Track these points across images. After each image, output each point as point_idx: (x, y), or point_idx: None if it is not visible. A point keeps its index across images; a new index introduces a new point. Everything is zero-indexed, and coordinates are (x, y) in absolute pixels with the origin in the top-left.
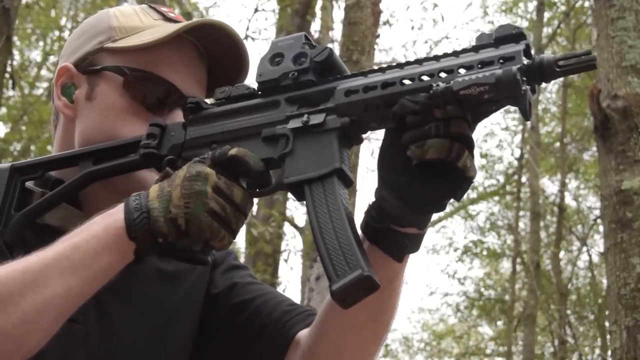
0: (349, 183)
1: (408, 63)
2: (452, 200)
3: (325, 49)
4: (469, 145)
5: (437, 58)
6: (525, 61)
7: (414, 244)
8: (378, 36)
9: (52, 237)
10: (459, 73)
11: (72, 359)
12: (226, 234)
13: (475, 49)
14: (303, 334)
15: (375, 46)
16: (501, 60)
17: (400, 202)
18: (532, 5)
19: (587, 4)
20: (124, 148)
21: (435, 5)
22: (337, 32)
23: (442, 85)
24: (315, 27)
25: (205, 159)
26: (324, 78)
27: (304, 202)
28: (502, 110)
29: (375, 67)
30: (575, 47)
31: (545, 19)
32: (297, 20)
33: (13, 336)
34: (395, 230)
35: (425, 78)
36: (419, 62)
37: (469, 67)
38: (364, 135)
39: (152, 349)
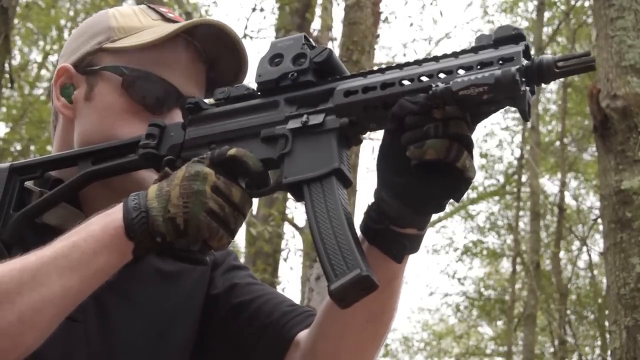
0: (348, 183)
1: (407, 64)
2: (451, 200)
3: (324, 50)
4: (468, 145)
5: (436, 59)
6: (525, 62)
7: (414, 244)
8: (378, 36)
9: (51, 236)
10: (458, 74)
11: (72, 358)
12: (225, 234)
13: (474, 50)
14: (303, 334)
15: (375, 46)
16: (500, 61)
17: (400, 203)
18: (532, 5)
19: (587, 3)
20: (123, 148)
21: (434, 2)
22: (337, 31)
23: (441, 85)
24: (315, 26)
25: (204, 159)
26: (324, 79)
27: (303, 202)
28: (502, 110)
29: (375, 68)
30: (575, 47)
31: (545, 19)
32: (297, 19)
33: (10, 335)
34: (395, 230)
35: (424, 79)
36: (418, 63)
37: (468, 67)
38: (363, 135)
39: (152, 348)
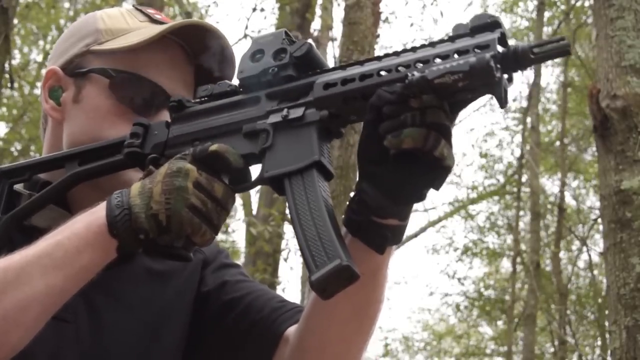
0: (329, 176)
1: (386, 55)
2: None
3: (304, 44)
4: (446, 134)
5: (414, 49)
6: (500, 49)
7: (396, 235)
8: (378, 36)
9: (40, 238)
10: (435, 63)
11: (63, 359)
12: (208, 229)
13: (451, 39)
14: (292, 330)
15: (375, 46)
16: (476, 49)
17: (380, 193)
18: (532, 5)
19: (587, 3)
20: (110, 149)
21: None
22: (337, 31)
23: (417, 74)
24: (315, 26)
25: (186, 156)
26: (304, 73)
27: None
28: (502, 110)
29: (353, 61)
30: (575, 47)
31: (545, 19)
32: (297, 19)
33: None
34: (376, 221)
35: (401, 69)
36: (396, 54)
37: (444, 56)
38: (343, 128)
39: (143, 347)
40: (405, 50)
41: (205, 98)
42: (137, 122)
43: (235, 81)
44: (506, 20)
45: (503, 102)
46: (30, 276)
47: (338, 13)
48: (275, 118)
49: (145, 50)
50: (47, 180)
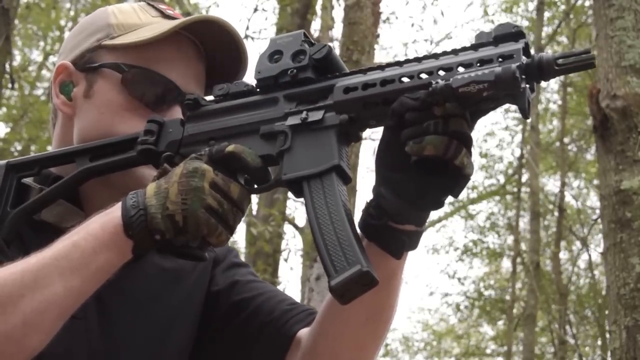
0: (348, 180)
1: (407, 61)
2: (450, 198)
3: (324, 47)
4: (467, 143)
5: (436, 56)
6: (524, 60)
7: (412, 241)
8: (378, 36)
9: (49, 233)
10: (458, 71)
11: (73, 355)
12: (223, 230)
13: (474, 47)
14: (303, 333)
15: (376, 46)
16: (500, 59)
17: (398, 199)
18: (532, 5)
19: (587, 3)
20: (122, 145)
21: (435, 2)
22: (337, 31)
23: (441, 82)
24: (315, 26)
25: (202, 156)
26: (323, 76)
27: (302, 199)
28: (502, 109)
29: (375, 65)
30: (575, 47)
31: (545, 19)
32: (297, 20)
33: (14, 338)
34: (393, 227)
35: (424, 76)
36: (418, 60)
37: (468, 65)
38: (362, 133)
39: (153, 345)
40: (427, 57)
41: (221, 97)
42: (152, 119)
43: (252, 81)
44: (506, 20)
45: (527, 113)
46: (48, 279)
47: (338, 13)
48: (294, 120)
49: (157, 46)
50: (59, 175)
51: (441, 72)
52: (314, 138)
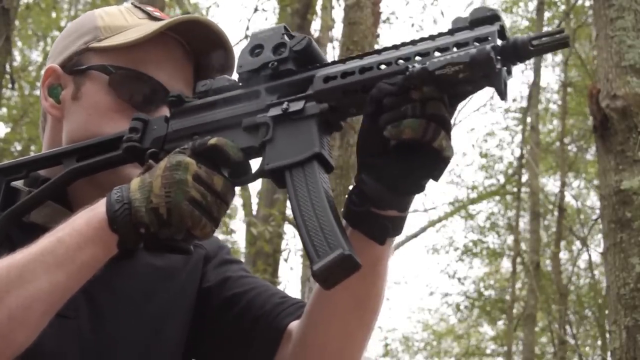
0: (330, 168)
1: (385, 49)
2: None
3: (304, 38)
4: (445, 125)
5: (413, 42)
6: (500, 42)
7: (396, 226)
8: (378, 36)
9: (39, 235)
10: (435, 55)
11: (66, 355)
12: (208, 222)
13: (450, 32)
14: (294, 325)
15: (376, 46)
16: (476, 42)
17: (380, 185)
18: (532, 5)
19: (587, 3)
20: (108, 144)
21: (435, 2)
22: (337, 31)
23: (417, 66)
24: (315, 26)
25: (185, 150)
26: (304, 67)
27: (286, 189)
28: (502, 110)
29: (354, 55)
30: (575, 47)
31: (545, 19)
32: (297, 20)
33: (1, 333)
34: (376, 213)
35: (401, 62)
36: (396, 47)
37: (444, 49)
38: (343, 122)
39: (146, 343)
40: (404, 44)
41: (204, 93)
42: (136, 117)
43: (235, 76)
44: (506, 20)
45: (503, 95)
46: (34, 274)
47: (338, 13)
48: (275, 111)
49: (144, 47)
50: (47, 177)
51: (418, 58)
52: (295, 128)
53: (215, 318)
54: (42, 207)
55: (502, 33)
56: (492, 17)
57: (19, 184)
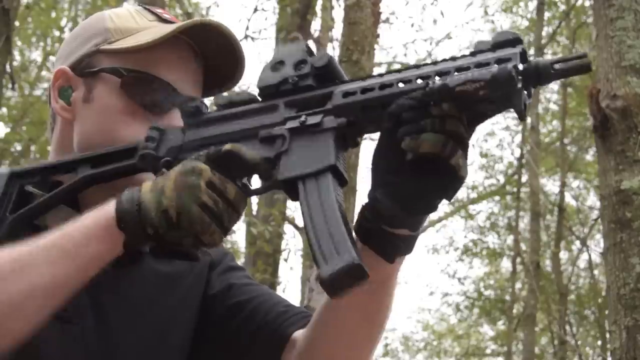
0: (344, 182)
1: (406, 68)
2: (444, 201)
3: (325, 55)
4: (463, 145)
5: (434, 63)
6: (521, 65)
7: (407, 246)
8: (378, 36)
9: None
10: (455, 75)
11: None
12: (217, 229)
13: (472, 54)
14: (299, 334)
15: (376, 46)
16: (497, 62)
17: (393, 202)
18: (532, 5)
19: (587, 3)
20: (123, 153)
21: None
22: (337, 31)
23: (438, 82)
24: (315, 26)
25: (200, 156)
26: (324, 83)
27: (297, 200)
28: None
29: (375, 74)
30: (575, 47)
31: (545, 19)
32: (297, 20)
33: None
34: (388, 231)
35: (420, 81)
36: (417, 67)
37: (465, 69)
38: (360, 138)
39: (150, 349)
40: (425, 64)
41: (223, 106)
42: (154, 126)
43: (255, 90)
44: (506, 20)
45: (523, 116)
46: (36, 264)
47: (338, 13)
48: (292, 124)
49: (155, 50)
50: (59, 181)
51: (437, 77)
52: (311, 140)
53: (219, 325)
54: (54, 210)
55: (523, 56)
56: (514, 41)
57: (32, 188)
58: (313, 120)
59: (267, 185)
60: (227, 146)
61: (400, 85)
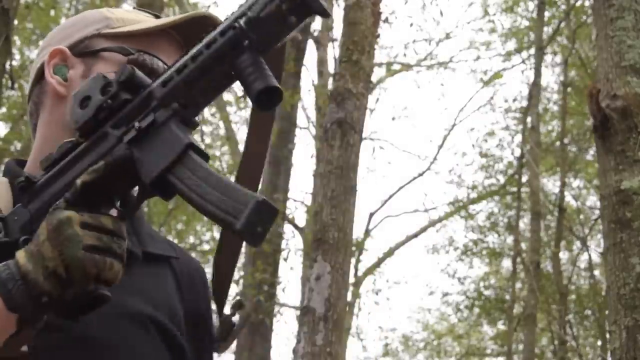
0: (207, 157)
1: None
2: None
3: (124, 68)
4: None
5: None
6: None
7: None
8: (378, 36)
9: None
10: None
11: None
12: (114, 261)
13: None
14: None
15: (376, 46)
16: None
17: None
18: (532, 5)
19: (587, 3)
20: None
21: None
22: (337, 31)
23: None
24: (315, 26)
25: (58, 208)
26: (137, 92)
27: (174, 192)
28: (502, 110)
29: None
30: (575, 47)
31: (545, 18)
32: None
33: None
34: None
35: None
36: (221, 33)
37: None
38: (197, 118)
39: (137, 335)
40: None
41: (50, 165)
42: None
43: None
44: (507, 20)
45: (326, 12)
46: None
47: (338, 13)
48: (129, 136)
49: (155, 38)
50: None
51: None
52: (157, 139)
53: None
54: None
55: None
56: None
57: None
58: (147, 121)
59: (138, 197)
60: (78, 182)
61: (210, 47)
